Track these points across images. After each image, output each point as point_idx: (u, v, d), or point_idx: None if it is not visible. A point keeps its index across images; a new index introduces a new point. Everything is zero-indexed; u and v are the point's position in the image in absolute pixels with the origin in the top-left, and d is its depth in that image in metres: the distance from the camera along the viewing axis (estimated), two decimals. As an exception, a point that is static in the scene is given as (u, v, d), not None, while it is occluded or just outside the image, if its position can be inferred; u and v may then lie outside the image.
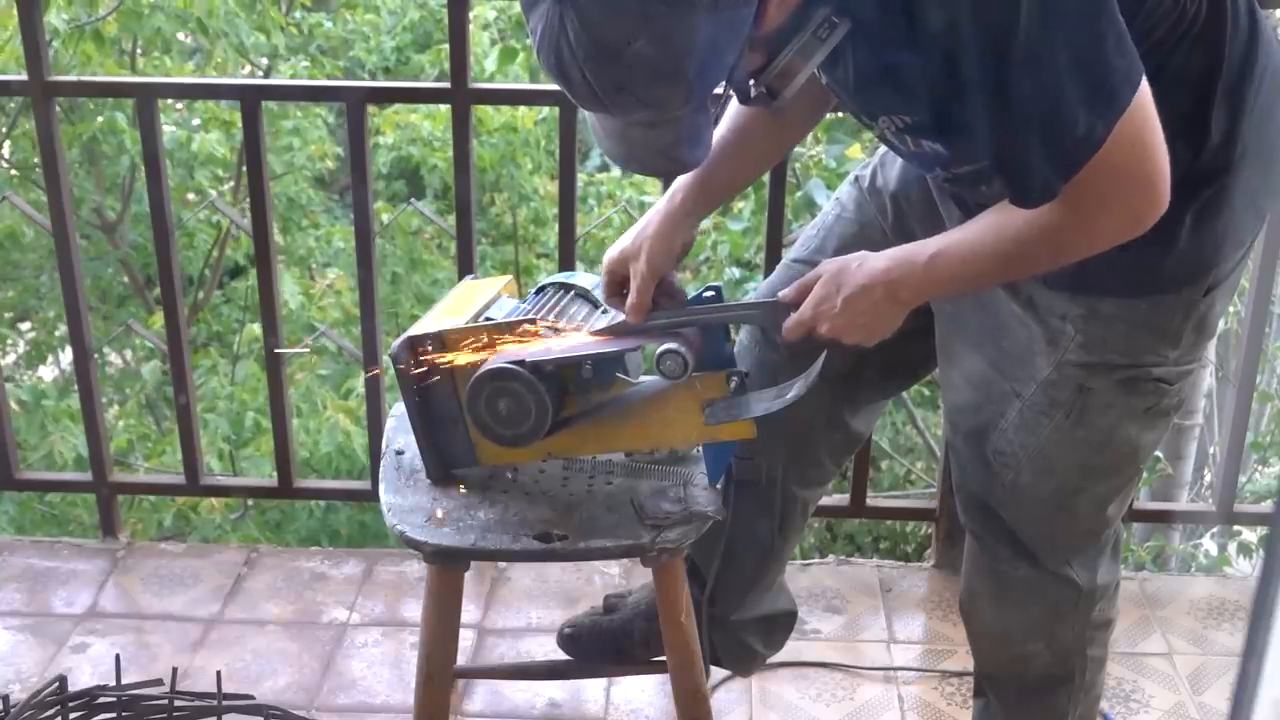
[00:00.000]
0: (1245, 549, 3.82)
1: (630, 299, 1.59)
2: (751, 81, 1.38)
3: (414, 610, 2.35)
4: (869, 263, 1.47)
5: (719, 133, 1.64)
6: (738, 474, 1.73)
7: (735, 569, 1.87)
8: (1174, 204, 1.35)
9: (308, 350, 2.25)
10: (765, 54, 1.35)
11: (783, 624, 2.01)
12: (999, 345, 1.58)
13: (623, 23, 1.23)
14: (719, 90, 1.36)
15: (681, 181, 1.63)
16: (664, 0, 1.22)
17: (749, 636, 1.95)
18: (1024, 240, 1.39)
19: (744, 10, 1.26)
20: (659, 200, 1.65)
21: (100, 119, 4.87)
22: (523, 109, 5.14)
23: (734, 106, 1.66)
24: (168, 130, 4.93)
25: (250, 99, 2.37)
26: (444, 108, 5.04)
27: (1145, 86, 1.29)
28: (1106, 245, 1.37)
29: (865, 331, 1.49)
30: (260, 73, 5.51)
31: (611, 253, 1.64)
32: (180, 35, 5.20)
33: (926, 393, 4.22)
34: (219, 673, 1.90)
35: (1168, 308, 1.49)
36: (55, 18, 4.49)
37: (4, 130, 5.03)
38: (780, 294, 1.54)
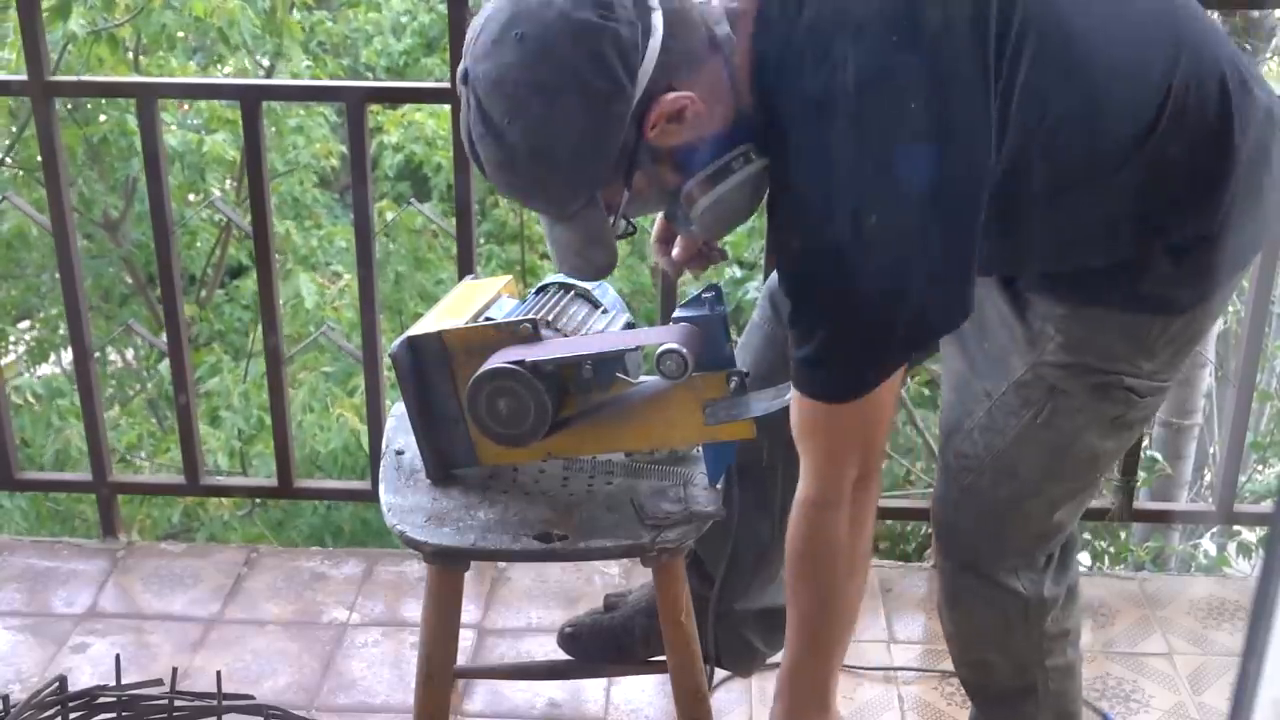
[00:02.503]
0: (1245, 549, 3.82)
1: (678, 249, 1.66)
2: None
3: (414, 610, 2.35)
4: None
5: None
6: (740, 459, 1.74)
7: (737, 558, 1.88)
8: (1154, 246, 1.42)
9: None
10: (680, 175, 1.40)
11: (781, 619, 2.00)
12: (980, 345, 1.59)
13: (501, 103, 1.32)
14: (623, 199, 1.40)
15: None
16: (535, 87, 1.31)
17: (749, 632, 1.95)
18: (800, 571, 1.53)
19: (617, 107, 1.32)
20: None
21: (105, 119, 4.88)
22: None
23: None
24: (179, 133, 4.94)
25: (250, 99, 2.37)
26: (449, 108, 5.05)
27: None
28: (839, 523, 1.48)
29: None
30: (261, 72, 5.51)
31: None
32: (181, 33, 5.20)
33: (926, 392, 4.21)
34: (219, 673, 1.90)
35: (1145, 322, 1.50)
36: (74, 24, 4.50)
37: (14, 131, 5.02)
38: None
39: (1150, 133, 1.38)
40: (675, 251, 1.65)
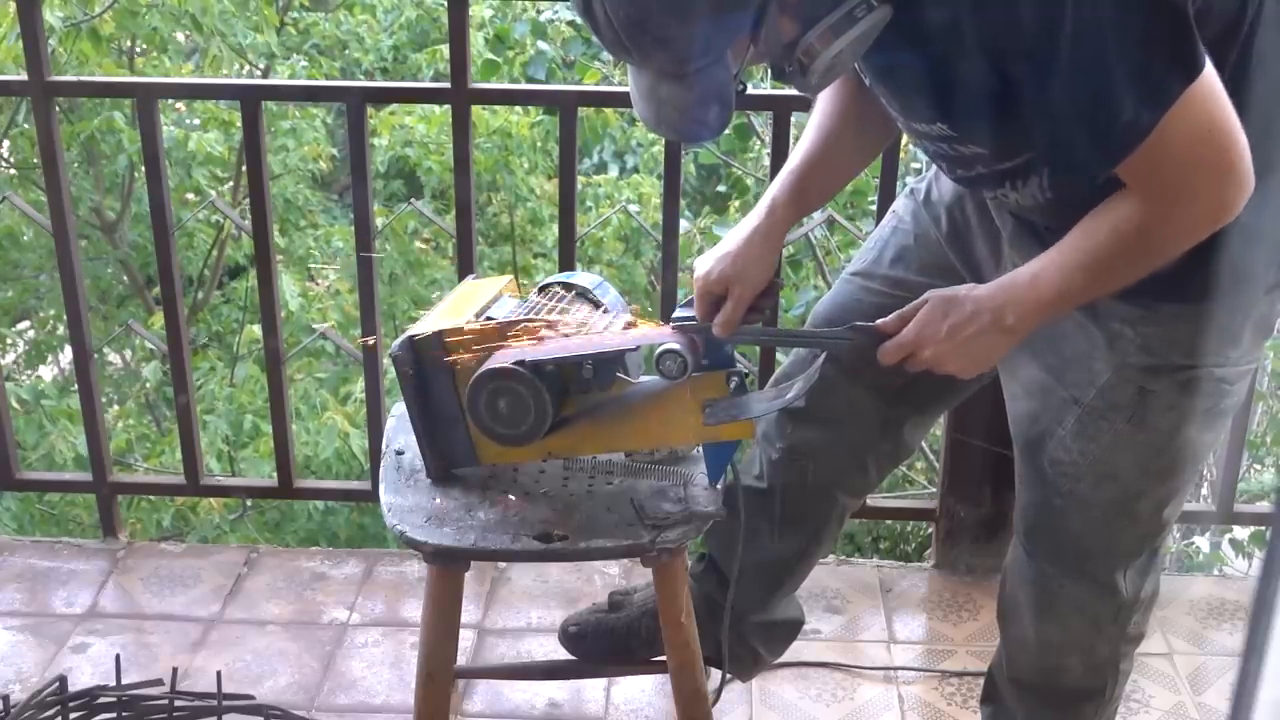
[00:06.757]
0: (1238, 545, 3.83)
1: (725, 315, 1.57)
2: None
3: (414, 610, 2.35)
4: (975, 290, 1.46)
5: (805, 144, 1.65)
6: (784, 475, 1.72)
7: (766, 570, 1.87)
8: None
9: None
10: (800, 25, 1.34)
11: (785, 632, 2.01)
12: (1057, 351, 1.56)
13: None
14: (747, 54, 1.35)
15: (779, 197, 1.63)
16: None
17: (752, 638, 1.96)
18: (1116, 244, 1.37)
19: None
20: (754, 218, 1.63)
21: (98, 119, 4.87)
22: (516, 115, 5.14)
23: (816, 114, 1.66)
24: (166, 129, 4.93)
25: (251, 100, 2.37)
26: (438, 111, 5.07)
27: (1209, 74, 1.27)
28: (1199, 236, 1.35)
29: (967, 360, 1.47)
30: (259, 73, 5.51)
31: (709, 272, 1.60)
32: (179, 35, 5.19)
33: (925, 393, 4.21)
34: (219, 673, 1.90)
35: (1227, 308, 1.47)
36: (50, 15, 4.48)
37: (2, 130, 5.02)
38: (879, 322, 1.51)
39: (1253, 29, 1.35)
40: (725, 315, 1.57)
